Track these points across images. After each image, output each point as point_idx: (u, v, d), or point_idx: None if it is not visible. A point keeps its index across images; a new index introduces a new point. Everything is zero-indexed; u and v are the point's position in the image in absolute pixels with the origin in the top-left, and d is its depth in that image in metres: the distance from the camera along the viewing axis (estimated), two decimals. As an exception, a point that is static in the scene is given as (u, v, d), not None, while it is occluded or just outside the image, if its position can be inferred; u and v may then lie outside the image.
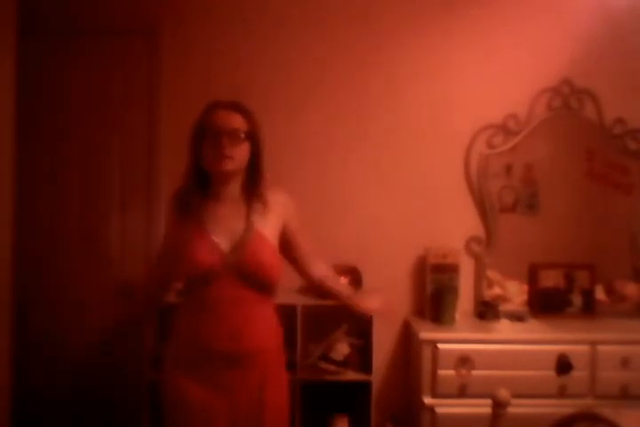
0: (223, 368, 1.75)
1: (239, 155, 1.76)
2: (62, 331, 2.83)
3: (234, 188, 1.82)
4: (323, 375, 2.60)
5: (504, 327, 2.67)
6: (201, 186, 1.80)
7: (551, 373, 2.45)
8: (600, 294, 2.85)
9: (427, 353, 2.49)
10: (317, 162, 2.89)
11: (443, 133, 2.89)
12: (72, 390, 2.84)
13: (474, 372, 2.45)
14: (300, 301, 2.57)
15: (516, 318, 2.74)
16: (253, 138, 1.80)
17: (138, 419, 2.61)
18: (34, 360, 2.79)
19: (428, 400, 2.48)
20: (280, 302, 1.94)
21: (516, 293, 2.87)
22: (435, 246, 2.81)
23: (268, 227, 1.82)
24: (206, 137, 1.75)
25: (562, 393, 2.45)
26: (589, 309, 2.80)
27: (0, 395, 2.20)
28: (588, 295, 2.81)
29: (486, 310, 2.76)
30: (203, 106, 1.82)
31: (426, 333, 2.55)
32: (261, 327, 1.80)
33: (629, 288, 2.88)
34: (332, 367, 2.60)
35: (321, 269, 1.99)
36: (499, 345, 2.49)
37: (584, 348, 2.47)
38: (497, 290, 2.88)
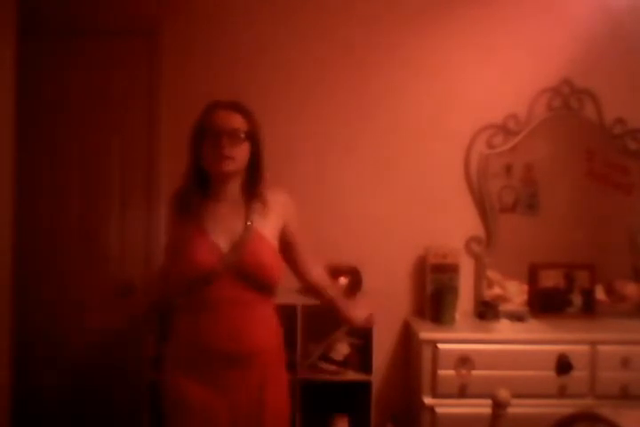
0: (223, 368, 1.75)
1: (239, 155, 1.76)
2: (62, 331, 2.83)
3: (234, 188, 1.82)
4: (323, 375, 2.60)
5: (504, 327, 2.67)
6: (201, 186, 1.80)
7: (551, 373, 2.45)
8: (600, 294, 2.85)
9: (427, 353, 2.49)
10: (317, 162, 2.89)
11: (443, 133, 2.89)
12: (72, 390, 2.84)
13: (474, 372, 2.45)
14: (300, 301, 2.56)
15: (516, 318, 2.74)
16: (253, 138, 1.79)
17: (138, 419, 2.61)
18: (34, 360, 2.79)
19: (427, 400, 2.48)
20: (280, 302, 1.94)
21: (516, 293, 2.87)
22: (435, 246, 2.81)
23: (268, 227, 1.82)
24: (206, 137, 1.75)
25: (562, 393, 2.45)
26: (589, 309, 2.80)
27: (0, 395, 2.20)
28: (588, 295, 2.81)
29: (486, 310, 2.76)
30: (203, 106, 1.81)
31: (426, 333, 2.55)
32: (261, 327, 1.79)
33: (629, 288, 2.88)
34: (332, 367, 2.60)
35: (318, 274, 1.99)
36: (499, 345, 2.49)
37: (584, 348, 2.47)
38: (497, 290, 2.88)
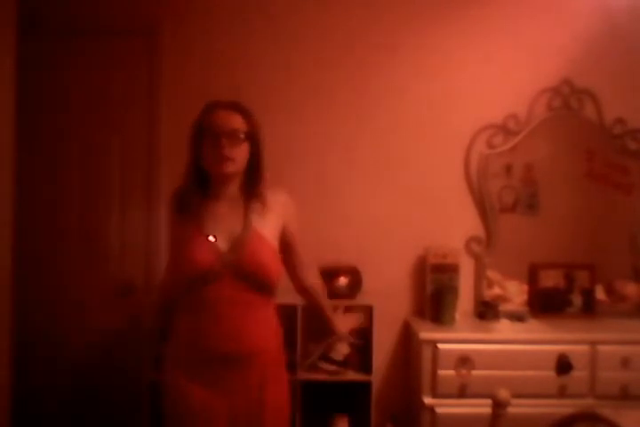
0: (223, 368, 1.75)
1: (239, 156, 1.76)
2: (62, 331, 2.83)
3: (233, 188, 1.82)
4: (323, 375, 2.61)
5: (504, 327, 2.67)
6: (200, 186, 1.80)
7: (551, 373, 2.45)
8: (600, 294, 2.85)
9: (427, 353, 2.49)
10: (317, 162, 2.89)
11: (443, 133, 2.89)
12: (72, 390, 2.84)
13: (474, 372, 2.45)
14: (300, 301, 2.56)
15: (516, 318, 2.74)
16: (253, 138, 1.79)
17: (138, 419, 2.61)
18: (34, 360, 2.79)
19: (427, 400, 2.48)
20: (280, 302, 1.93)
21: (516, 293, 2.87)
22: (435, 246, 2.81)
23: (268, 227, 1.81)
24: (206, 137, 1.75)
25: (562, 393, 2.45)
26: (589, 309, 2.80)
27: (0, 395, 2.20)
28: (588, 295, 2.81)
29: (486, 310, 2.76)
30: (202, 106, 1.81)
31: (426, 333, 2.55)
32: (261, 328, 1.79)
33: (629, 288, 2.88)
34: (332, 367, 2.60)
35: (311, 279, 2.01)
36: (499, 345, 2.49)
37: (584, 348, 2.47)
38: (497, 290, 2.88)
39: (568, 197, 2.89)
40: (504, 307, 2.80)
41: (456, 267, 2.79)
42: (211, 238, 1.74)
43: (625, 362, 2.45)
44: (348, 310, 2.75)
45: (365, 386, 2.62)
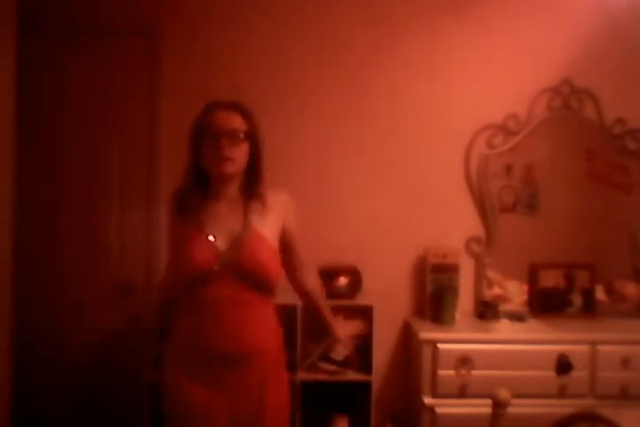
0: (223, 368, 1.74)
1: (239, 156, 1.76)
2: (62, 331, 2.83)
3: (233, 188, 1.82)
4: (323, 375, 2.61)
5: (504, 327, 2.67)
6: (200, 186, 1.80)
7: (551, 373, 2.45)
8: (600, 294, 2.85)
9: (427, 353, 2.49)
10: (317, 162, 2.89)
11: (443, 133, 2.89)
12: (72, 390, 2.84)
13: (474, 372, 2.45)
14: (300, 302, 2.56)
15: (516, 318, 2.74)
16: (253, 138, 1.79)
17: (138, 419, 2.61)
18: (34, 360, 2.79)
19: (427, 400, 2.48)
20: (280, 302, 1.93)
21: (516, 293, 2.87)
22: (435, 246, 2.81)
23: (268, 227, 1.81)
24: (205, 137, 1.75)
25: (562, 393, 2.45)
26: (589, 309, 2.80)
27: (0, 395, 2.20)
28: (588, 295, 2.81)
29: (486, 310, 2.76)
30: (202, 106, 1.81)
31: (426, 333, 2.55)
32: (261, 327, 1.79)
33: (629, 288, 2.88)
34: (332, 367, 2.60)
35: (311, 280, 2.01)
36: (499, 345, 2.49)
37: (584, 348, 2.47)
38: (497, 290, 2.88)
39: (568, 197, 2.89)
40: (504, 307, 2.80)
41: (456, 267, 2.79)
42: (210, 238, 1.74)
43: (625, 362, 2.45)
44: (348, 316, 2.74)
45: (365, 386, 2.62)
